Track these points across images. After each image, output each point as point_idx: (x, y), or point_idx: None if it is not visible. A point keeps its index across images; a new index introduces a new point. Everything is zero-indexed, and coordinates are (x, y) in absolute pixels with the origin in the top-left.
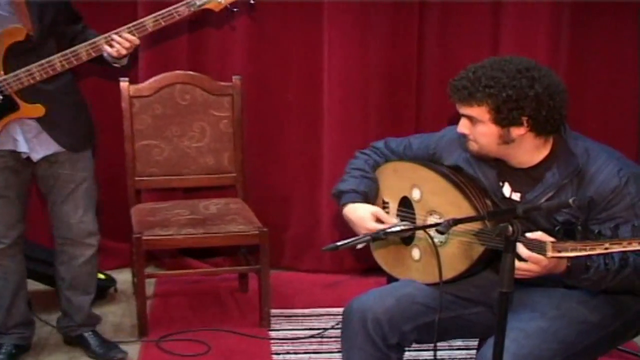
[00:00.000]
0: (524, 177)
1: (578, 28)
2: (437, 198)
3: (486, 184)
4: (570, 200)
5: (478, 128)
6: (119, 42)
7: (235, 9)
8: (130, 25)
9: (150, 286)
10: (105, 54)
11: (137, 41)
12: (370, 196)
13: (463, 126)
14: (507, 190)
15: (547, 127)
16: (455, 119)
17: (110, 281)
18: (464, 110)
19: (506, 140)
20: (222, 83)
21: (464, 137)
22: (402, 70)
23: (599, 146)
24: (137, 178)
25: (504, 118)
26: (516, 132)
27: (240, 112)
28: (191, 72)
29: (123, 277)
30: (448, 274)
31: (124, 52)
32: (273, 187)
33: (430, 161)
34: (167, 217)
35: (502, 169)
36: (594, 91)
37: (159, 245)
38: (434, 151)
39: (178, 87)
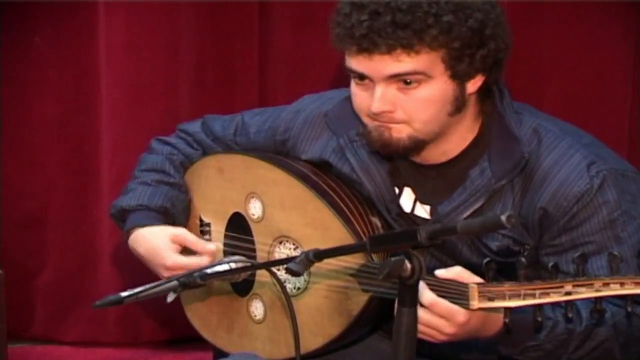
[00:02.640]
0: (434, 179)
1: None
2: (290, 215)
3: (372, 190)
4: (503, 217)
5: (420, 92)
6: None
7: None
8: None
9: None
10: None
11: None
12: (174, 214)
13: (385, 99)
14: (407, 200)
15: (499, 74)
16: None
17: None
18: (395, 66)
19: (459, 106)
20: None
21: (368, 119)
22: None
23: (557, 124)
24: None
25: (470, 64)
26: (471, 86)
27: None
28: None
29: None
30: (311, 343)
31: None
32: (14, 199)
33: (277, 154)
34: None
35: (399, 165)
36: (556, 43)
37: None
38: (285, 137)
39: None
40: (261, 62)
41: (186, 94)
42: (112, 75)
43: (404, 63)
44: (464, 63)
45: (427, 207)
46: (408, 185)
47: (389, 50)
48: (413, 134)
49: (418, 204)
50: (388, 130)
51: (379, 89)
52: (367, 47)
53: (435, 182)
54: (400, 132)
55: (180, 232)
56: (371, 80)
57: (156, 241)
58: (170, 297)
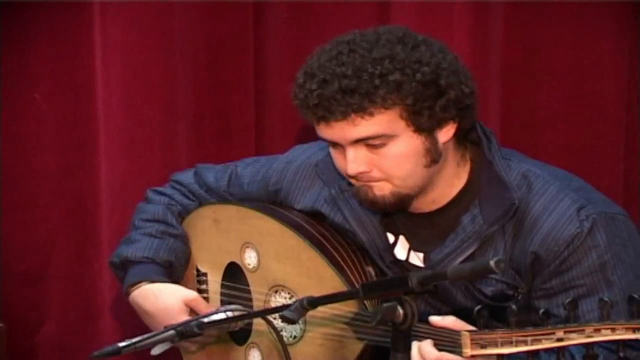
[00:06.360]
0: (427, 227)
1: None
2: (285, 265)
3: (365, 239)
4: (492, 262)
5: (389, 150)
6: None
7: None
8: None
9: None
10: None
11: None
12: (177, 267)
13: (358, 160)
14: (401, 249)
15: (472, 118)
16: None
17: None
18: (354, 131)
19: (435, 157)
20: None
21: (352, 179)
22: (232, 53)
23: (545, 169)
24: None
25: (431, 116)
26: (443, 135)
27: None
28: None
29: None
30: None
31: None
32: (15, 253)
33: (271, 204)
34: None
35: (392, 214)
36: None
37: None
38: (277, 187)
39: None
40: (257, 114)
41: (184, 147)
42: (110, 130)
43: (362, 127)
44: (424, 116)
45: (421, 255)
46: (402, 234)
47: (344, 117)
48: (395, 190)
49: (412, 252)
50: (370, 190)
51: (350, 152)
52: (322, 115)
53: (427, 230)
54: (383, 190)
55: (194, 296)
56: (341, 145)
57: (169, 301)
58: (157, 350)
